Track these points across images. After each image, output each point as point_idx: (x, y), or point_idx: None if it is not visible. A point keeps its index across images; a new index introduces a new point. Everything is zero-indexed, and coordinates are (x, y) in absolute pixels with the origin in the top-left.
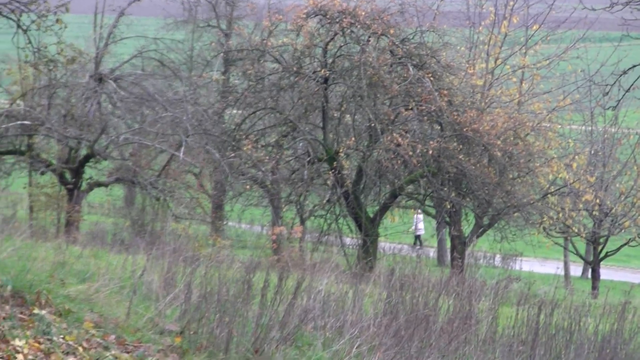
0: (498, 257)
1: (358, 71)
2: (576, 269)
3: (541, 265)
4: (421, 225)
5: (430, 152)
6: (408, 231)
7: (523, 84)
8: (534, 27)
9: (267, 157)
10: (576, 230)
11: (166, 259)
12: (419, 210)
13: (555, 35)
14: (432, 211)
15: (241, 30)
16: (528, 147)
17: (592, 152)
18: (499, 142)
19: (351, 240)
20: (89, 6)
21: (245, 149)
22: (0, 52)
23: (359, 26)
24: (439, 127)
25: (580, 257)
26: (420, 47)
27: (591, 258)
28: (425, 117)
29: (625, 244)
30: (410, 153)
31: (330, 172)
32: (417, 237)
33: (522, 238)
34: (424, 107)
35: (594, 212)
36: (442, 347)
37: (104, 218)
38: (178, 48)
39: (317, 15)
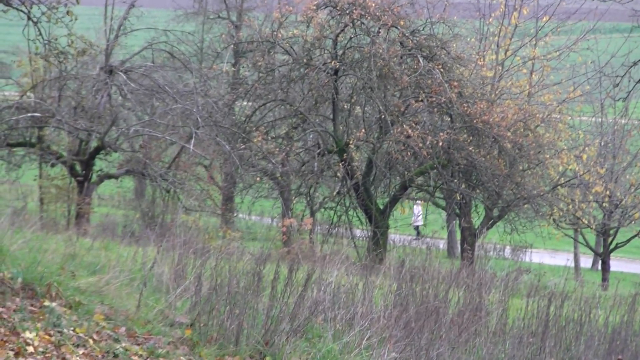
0: (508, 249)
1: (368, 63)
2: (586, 261)
3: (551, 257)
4: (420, 216)
5: (440, 143)
6: (411, 225)
7: (533, 76)
8: (544, 19)
9: (277, 149)
10: (586, 222)
11: (176, 251)
12: (418, 202)
13: (566, 26)
14: (442, 203)
15: (251, 22)
16: (538, 139)
17: (602, 143)
18: (509, 134)
19: (361, 232)
20: None
21: (255, 140)
22: (11, 44)
23: (369, 18)
24: (449, 119)
25: (590, 248)
26: (430, 39)
27: (601, 250)
28: (435, 109)
29: (635, 236)
30: (420, 145)
31: (340, 164)
32: (417, 228)
33: (532, 230)
34: (434, 99)
35: (604, 204)
36: (452, 339)
37: (114, 210)
38: (188, 40)
39: (327, 6)
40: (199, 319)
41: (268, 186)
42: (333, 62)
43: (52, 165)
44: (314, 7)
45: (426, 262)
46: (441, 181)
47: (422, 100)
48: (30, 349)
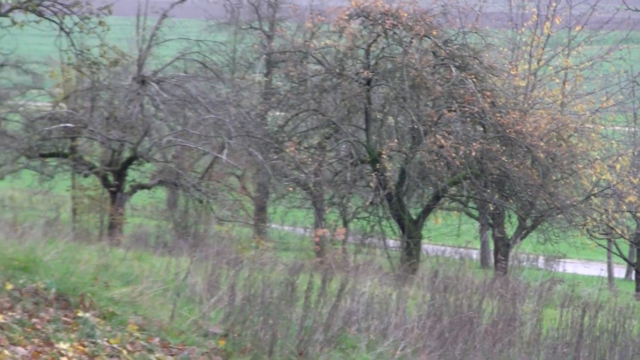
0: (541, 259)
1: (401, 73)
2: (620, 271)
3: (585, 267)
4: None
5: (473, 153)
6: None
7: (566, 85)
8: (577, 28)
9: (310, 159)
10: (619, 232)
11: (210, 262)
12: None
13: (598, 36)
14: (475, 213)
15: (284, 32)
16: (571, 149)
17: (636, 153)
18: (542, 144)
19: (394, 242)
20: (132, 8)
21: (288, 150)
22: (44, 54)
23: (401, 27)
24: (482, 129)
25: (624, 258)
26: (462, 49)
27: (635, 260)
28: (468, 119)
29: None
30: (453, 155)
31: (373, 174)
32: None
33: (566, 240)
34: (466, 109)
35: (637, 214)
36: (486, 349)
37: (147, 220)
38: (220, 50)
39: (359, 16)
40: (233, 329)
41: (301, 196)
42: (365, 72)
43: (85, 176)
44: (346, 17)
45: (459, 272)
46: (474, 191)
47: (454, 110)
48: (64, 359)
